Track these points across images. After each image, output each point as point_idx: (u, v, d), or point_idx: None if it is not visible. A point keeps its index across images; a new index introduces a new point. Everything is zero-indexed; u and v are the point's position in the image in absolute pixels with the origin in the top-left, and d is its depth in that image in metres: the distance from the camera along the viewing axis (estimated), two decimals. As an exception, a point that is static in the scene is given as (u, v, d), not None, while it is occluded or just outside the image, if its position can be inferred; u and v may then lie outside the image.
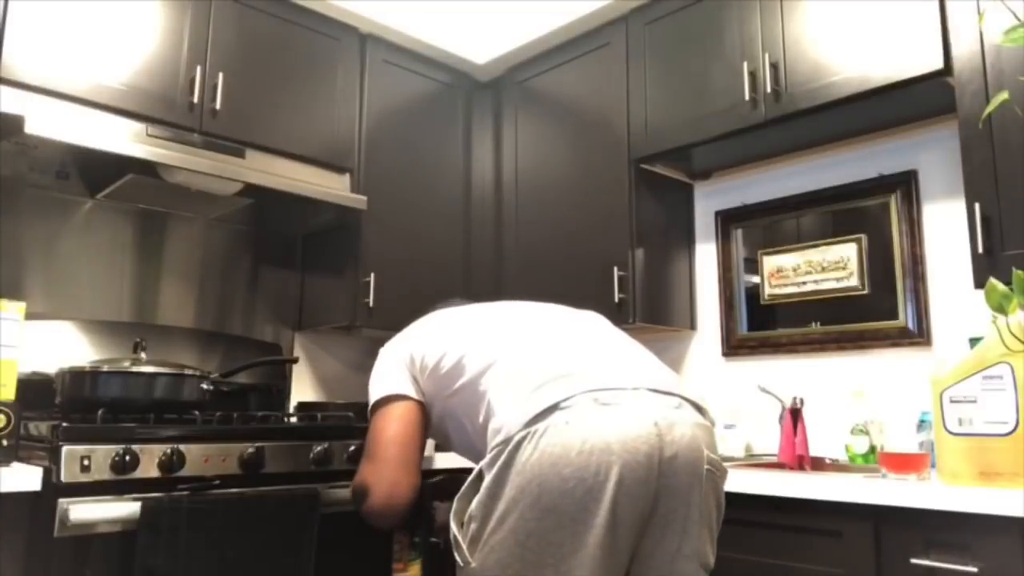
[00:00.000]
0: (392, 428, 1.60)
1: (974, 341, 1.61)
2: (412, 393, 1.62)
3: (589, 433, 1.24)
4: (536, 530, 1.22)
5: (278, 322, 2.80)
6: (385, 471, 1.57)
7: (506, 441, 1.29)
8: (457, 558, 1.32)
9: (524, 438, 1.27)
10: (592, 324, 1.62)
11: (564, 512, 1.21)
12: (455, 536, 1.32)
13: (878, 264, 2.26)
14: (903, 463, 1.67)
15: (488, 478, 1.29)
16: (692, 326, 2.70)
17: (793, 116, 2.14)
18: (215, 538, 1.67)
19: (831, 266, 2.36)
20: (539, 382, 1.35)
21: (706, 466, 1.30)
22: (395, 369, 1.65)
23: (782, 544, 1.68)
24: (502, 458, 1.28)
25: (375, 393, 1.65)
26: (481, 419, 1.45)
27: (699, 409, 1.39)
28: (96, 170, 2.27)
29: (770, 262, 2.51)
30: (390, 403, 1.62)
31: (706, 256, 2.70)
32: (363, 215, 2.58)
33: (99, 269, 2.43)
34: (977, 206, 1.77)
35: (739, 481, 1.75)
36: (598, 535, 1.20)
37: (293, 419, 2.38)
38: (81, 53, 2.10)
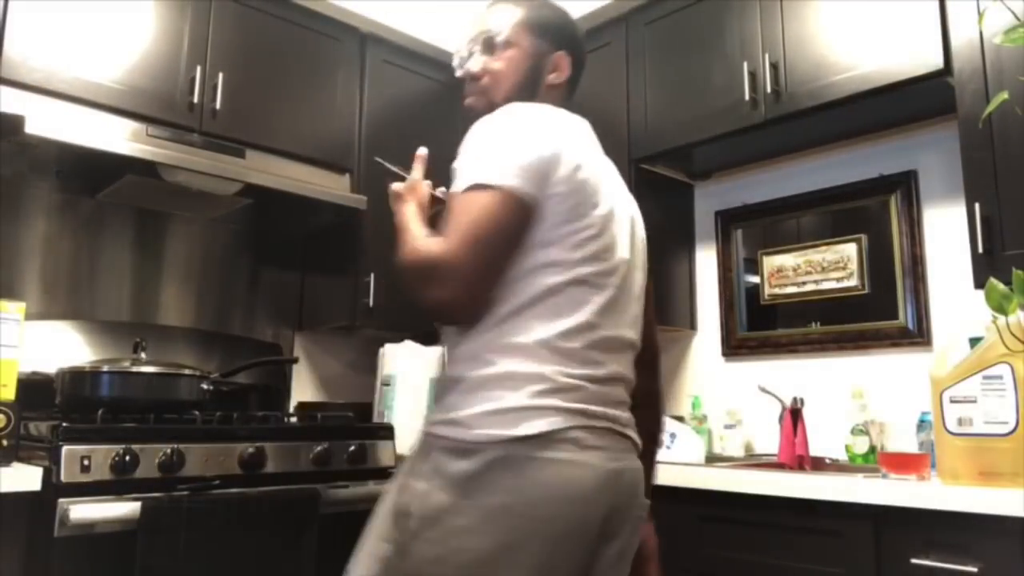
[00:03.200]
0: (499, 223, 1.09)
1: (974, 341, 1.61)
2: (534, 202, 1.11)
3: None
4: None
5: (278, 322, 2.80)
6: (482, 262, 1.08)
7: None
8: None
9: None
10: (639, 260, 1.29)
11: None
12: None
13: (878, 264, 2.26)
14: (903, 463, 1.67)
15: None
16: (692, 326, 2.70)
17: (793, 116, 2.13)
18: (215, 538, 1.67)
19: (831, 266, 2.36)
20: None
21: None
22: (536, 160, 1.12)
23: (782, 544, 1.67)
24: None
25: (494, 165, 1.11)
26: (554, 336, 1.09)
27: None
28: (96, 170, 2.27)
29: (770, 262, 2.51)
30: (505, 198, 1.09)
31: (706, 256, 2.70)
32: (363, 215, 2.58)
33: (99, 269, 2.43)
34: (977, 206, 1.76)
35: (739, 481, 1.75)
36: None
37: (293, 419, 2.38)
38: (81, 53, 2.10)
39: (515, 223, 1.10)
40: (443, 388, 1.17)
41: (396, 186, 1.28)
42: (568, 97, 1.44)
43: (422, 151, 1.33)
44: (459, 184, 1.12)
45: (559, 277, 1.11)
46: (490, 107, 1.24)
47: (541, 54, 1.37)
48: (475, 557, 1.01)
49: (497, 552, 1.01)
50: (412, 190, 1.27)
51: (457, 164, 1.16)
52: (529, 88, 1.34)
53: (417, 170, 1.31)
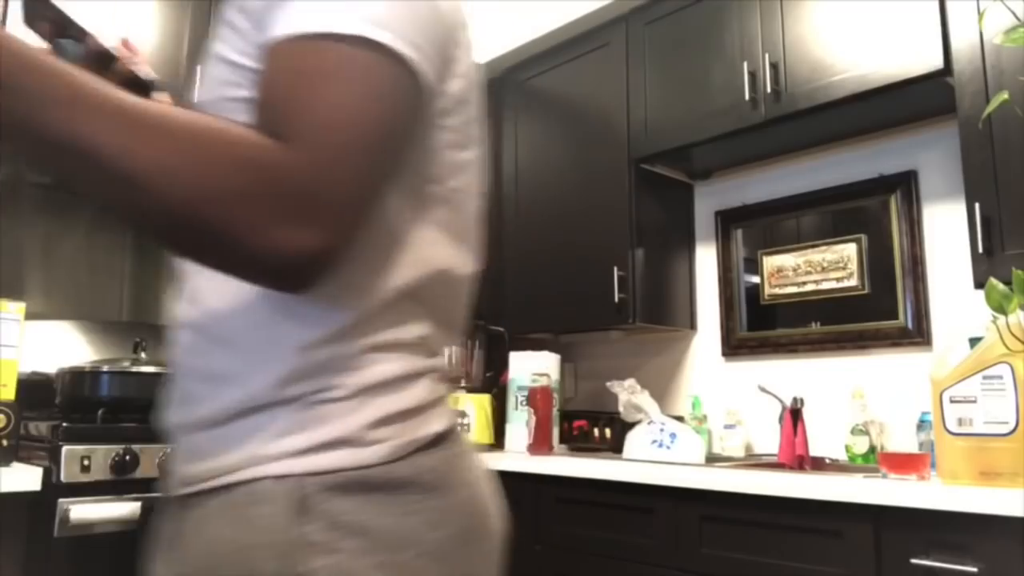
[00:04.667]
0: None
1: (974, 341, 1.61)
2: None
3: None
4: None
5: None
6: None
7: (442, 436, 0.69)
8: None
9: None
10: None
11: None
12: None
13: (878, 264, 2.26)
14: (903, 463, 1.67)
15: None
16: (692, 326, 2.70)
17: (793, 116, 2.14)
18: (215, 538, 1.67)
19: (831, 266, 2.36)
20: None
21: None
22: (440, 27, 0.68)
23: (782, 544, 1.67)
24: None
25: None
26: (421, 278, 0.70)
27: None
28: (96, 170, 2.27)
29: (770, 262, 2.51)
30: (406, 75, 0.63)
31: (706, 256, 2.70)
32: (363, 215, 2.57)
33: (99, 269, 2.43)
34: (977, 206, 1.76)
35: (739, 481, 1.75)
36: None
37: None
38: (81, 53, 2.10)
39: (413, 122, 0.67)
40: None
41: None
42: None
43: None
44: (300, 21, 0.60)
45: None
46: None
47: None
48: None
49: None
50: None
51: None
52: None
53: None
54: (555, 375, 2.62)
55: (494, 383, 2.71)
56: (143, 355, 2.04)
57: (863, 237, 2.30)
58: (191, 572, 0.64)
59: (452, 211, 0.76)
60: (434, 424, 0.69)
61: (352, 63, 0.60)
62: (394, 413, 0.67)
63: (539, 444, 2.41)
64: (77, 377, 1.94)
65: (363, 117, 0.60)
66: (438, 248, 0.73)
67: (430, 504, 0.67)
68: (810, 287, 2.40)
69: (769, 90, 2.15)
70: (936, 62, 1.86)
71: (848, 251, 2.32)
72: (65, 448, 1.59)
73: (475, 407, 2.54)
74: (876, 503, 1.54)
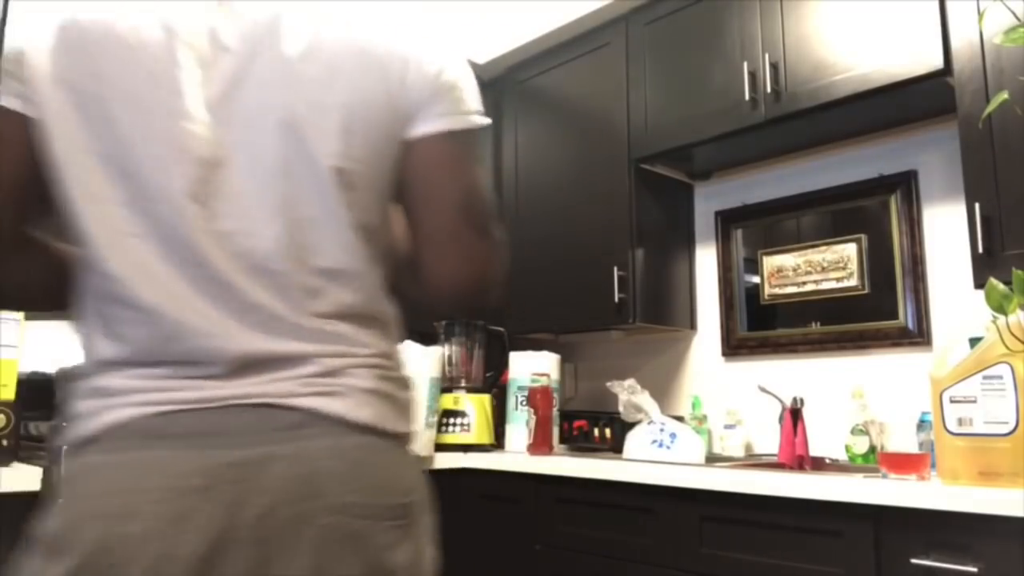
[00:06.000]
0: None
1: (974, 341, 1.61)
2: None
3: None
4: None
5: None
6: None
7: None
8: None
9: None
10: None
11: None
12: None
13: (878, 264, 2.26)
14: (903, 463, 1.67)
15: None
16: (692, 326, 2.70)
17: (793, 116, 2.13)
18: (215, 538, 1.66)
19: (831, 266, 2.36)
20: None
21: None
22: None
23: (782, 544, 1.68)
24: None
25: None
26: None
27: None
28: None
29: (770, 262, 2.51)
30: None
31: (706, 256, 2.70)
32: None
33: (99, 269, 2.43)
34: (977, 206, 1.76)
35: (739, 481, 1.75)
36: None
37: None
38: (81, 53, 2.09)
39: None
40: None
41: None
42: None
43: None
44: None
45: None
46: None
47: None
48: None
49: None
50: None
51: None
52: None
53: None
54: (555, 375, 2.62)
55: (494, 383, 2.71)
56: (143, 355, 2.04)
57: (863, 237, 2.30)
58: None
59: None
60: None
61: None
62: None
63: (539, 444, 2.41)
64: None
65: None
66: None
67: None
68: (810, 287, 2.40)
69: (769, 90, 2.15)
70: (936, 62, 1.86)
71: (848, 251, 2.32)
72: (65, 448, 1.58)
73: (475, 407, 2.53)
74: (876, 503, 1.54)
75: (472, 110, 0.91)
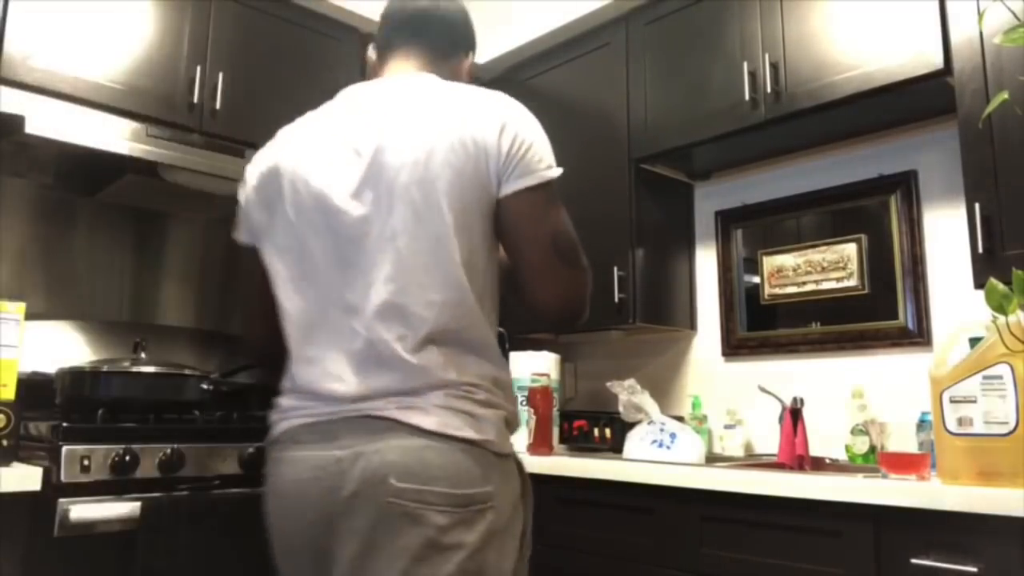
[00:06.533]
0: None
1: (974, 341, 1.61)
2: None
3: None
4: None
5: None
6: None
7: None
8: None
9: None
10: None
11: None
12: None
13: (878, 264, 2.26)
14: (903, 463, 1.67)
15: None
16: (692, 326, 2.70)
17: (793, 116, 2.14)
18: (215, 538, 1.67)
19: (831, 266, 2.36)
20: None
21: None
22: None
23: (782, 544, 1.67)
24: None
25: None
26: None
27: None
28: (96, 170, 2.28)
29: (770, 262, 2.51)
30: None
31: (706, 256, 2.70)
32: (363, 215, 2.57)
33: (99, 269, 2.43)
34: (977, 206, 1.76)
35: (739, 481, 1.75)
36: None
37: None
38: (81, 53, 2.10)
39: None
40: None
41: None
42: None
43: None
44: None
45: None
46: None
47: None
48: None
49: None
50: None
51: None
52: None
53: None
54: (555, 375, 2.62)
55: (494, 383, 2.71)
56: (143, 355, 2.04)
57: (863, 237, 2.30)
58: None
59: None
60: None
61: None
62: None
63: (539, 444, 2.41)
64: (77, 377, 1.94)
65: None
66: None
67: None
68: (810, 287, 2.40)
69: (769, 90, 2.15)
70: (936, 62, 1.86)
71: (848, 251, 2.32)
72: (65, 448, 1.59)
73: (475, 407, 2.53)
74: (876, 503, 1.54)
75: (543, 167, 1.17)
